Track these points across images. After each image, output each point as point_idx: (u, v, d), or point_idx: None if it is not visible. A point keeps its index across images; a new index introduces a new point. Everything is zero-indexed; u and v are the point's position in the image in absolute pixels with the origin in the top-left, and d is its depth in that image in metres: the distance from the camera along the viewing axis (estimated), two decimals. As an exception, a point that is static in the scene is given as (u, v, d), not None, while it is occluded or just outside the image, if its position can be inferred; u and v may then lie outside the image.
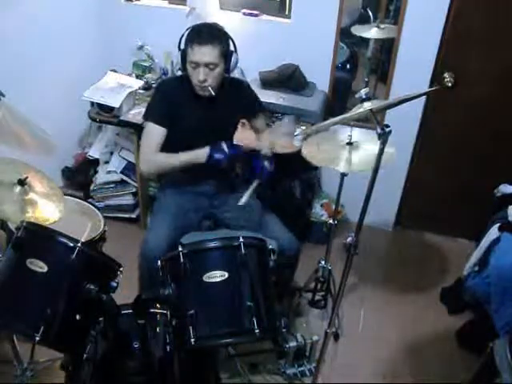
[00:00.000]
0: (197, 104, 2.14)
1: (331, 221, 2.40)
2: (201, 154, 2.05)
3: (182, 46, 2.04)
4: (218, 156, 2.02)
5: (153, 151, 2.13)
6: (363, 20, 2.77)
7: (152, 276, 1.92)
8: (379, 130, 1.48)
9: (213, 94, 2.05)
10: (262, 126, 2.39)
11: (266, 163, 2.18)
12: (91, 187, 3.12)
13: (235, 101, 2.20)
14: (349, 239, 1.67)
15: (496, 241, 2.04)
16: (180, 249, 1.58)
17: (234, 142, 2.15)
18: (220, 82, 2.10)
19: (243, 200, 2.07)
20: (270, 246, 1.70)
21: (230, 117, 2.24)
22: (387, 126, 1.48)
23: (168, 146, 2.15)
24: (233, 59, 2.07)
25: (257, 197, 2.31)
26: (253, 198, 2.19)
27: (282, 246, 2.10)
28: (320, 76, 2.88)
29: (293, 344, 2.16)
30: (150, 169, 2.21)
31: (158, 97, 2.23)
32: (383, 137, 1.49)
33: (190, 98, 2.14)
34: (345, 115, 1.70)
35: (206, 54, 1.96)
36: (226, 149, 2.02)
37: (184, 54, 2.03)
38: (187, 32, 2.04)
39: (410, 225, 3.27)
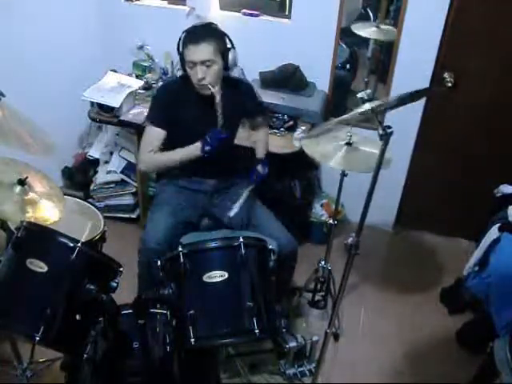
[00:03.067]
0: (198, 104, 2.15)
1: (331, 221, 2.40)
2: (194, 148, 2.09)
3: (181, 49, 2.07)
4: (207, 147, 2.05)
5: (150, 152, 2.18)
6: (363, 20, 2.78)
7: (151, 272, 1.92)
8: (381, 131, 1.48)
9: (213, 90, 2.06)
10: (259, 126, 2.41)
11: (260, 167, 2.24)
12: (91, 187, 3.12)
13: (237, 101, 2.20)
14: (350, 239, 1.67)
15: (496, 241, 2.04)
16: (180, 249, 1.58)
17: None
18: (219, 79, 2.10)
19: (234, 211, 2.10)
20: (270, 246, 1.71)
21: (230, 117, 2.24)
22: (389, 127, 1.48)
23: (170, 147, 2.17)
24: (231, 56, 2.09)
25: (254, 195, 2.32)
26: (250, 197, 2.21)
27: (280, 245, 2.10)
28: (320, 76, 2.88)
29: (293, 344, 2.15)
30: (148, 168, 2.33)
31: (157, 100, 2.26)
32: (385, 138, 1.49)
33: (192, 99, 2.15)
34: (346, 116, 1.69)
35: (200, 51, 2.00)
36: (208, 139, 2.05)
37: (182, 56, 2.06)
38: (183, 35, 2.06)
39: (410, 225, 3.27)
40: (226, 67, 2.11)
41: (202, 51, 2.00)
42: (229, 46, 2.09)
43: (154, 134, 2.17)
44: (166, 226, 2.09)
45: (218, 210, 2.30)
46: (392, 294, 2.80)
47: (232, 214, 2.09)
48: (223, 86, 2.12)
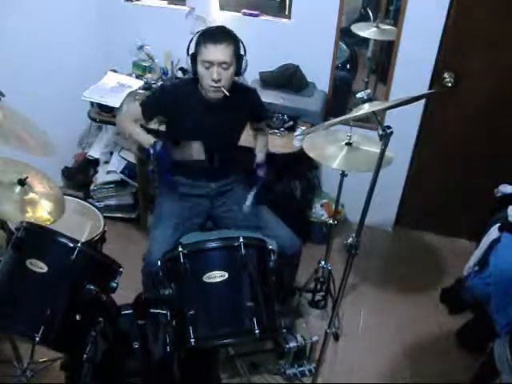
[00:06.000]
0: (201, 108, 2.12)
1: (331, 221, 2.40)
2: (146, 141, 2.09)
3: (192, 49, 2.01)
4: (150, 150, 2.04)
5: (126, 116, 2.30)
6: (363, 20, 2.78)
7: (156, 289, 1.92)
8: (381, 132, 1.48)
9: (227, 94, 2.02)
10: (260, 131, 2.41)
11: (259, 171, 2.26)
12: (91, 187, 3.12)
13: (240, 106, 2.17)
14: (350, 239, 1.67)
15: (496, 241, 2.04)
16: (180, 249, 1.58)
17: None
18: (231, 85, 2.06)
19: (247, 204, 2.21)
20: (270, 247, 1.71)
21: (233, 122, 2.23)
22: (389, 128, 1.48)
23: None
24: (243, 62, 2.06)
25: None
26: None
27: (283, 244, 2.10)
28: (320, 76, 2.88)
29: (293, 344, 2.16)
30: (118, 127, 2.50)
31: (158, 95, 2.27)
32: (385, 138, 1.49)
33: (195, 102, 2.12)
34: (346, 116, 1.70)
35: (220, 52, 1.94)
36: (158, 147, 2.03)
37: (194, 56, 2.00)
38: (198, 34, 2.02)
39: (409, 225, 3.27)
40: (239, 73, 2.07)
41: (222, 52, 1.94)
42: (242, 52, 2.07)
43: (137, 113, 2.18)
44: (170, 244, 2.02)
45: (219, 212, 2.30)
46: (392, 294, 2.80)
47: (246, 208, 2.20)
48: (231, 91, 2.08)
